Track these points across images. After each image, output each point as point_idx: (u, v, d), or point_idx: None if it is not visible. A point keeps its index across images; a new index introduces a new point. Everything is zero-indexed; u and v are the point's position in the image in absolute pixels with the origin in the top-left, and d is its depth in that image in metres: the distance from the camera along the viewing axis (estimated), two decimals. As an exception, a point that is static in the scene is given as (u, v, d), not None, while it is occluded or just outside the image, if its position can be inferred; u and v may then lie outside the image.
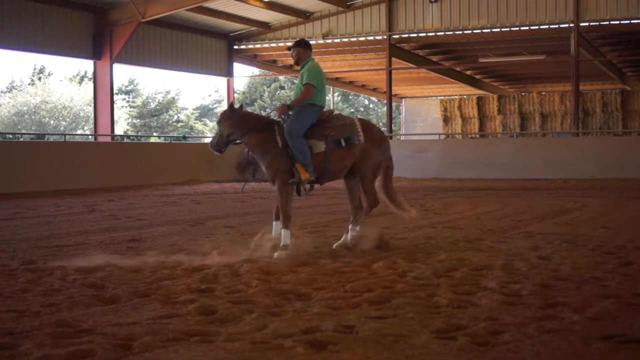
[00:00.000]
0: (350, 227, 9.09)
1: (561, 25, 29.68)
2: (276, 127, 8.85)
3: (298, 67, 9.23)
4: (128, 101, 64.13)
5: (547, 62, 35.13)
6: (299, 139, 8.72)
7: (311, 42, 33.74)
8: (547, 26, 30.02)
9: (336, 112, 9.54)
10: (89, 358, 4.39)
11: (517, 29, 30.59)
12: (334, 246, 8.95)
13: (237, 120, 8.91)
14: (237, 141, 8.99)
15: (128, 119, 62.29)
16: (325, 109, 9.25)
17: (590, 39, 31.62)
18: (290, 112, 8.85)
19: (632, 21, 28.83)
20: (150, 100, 66.37)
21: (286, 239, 8.57)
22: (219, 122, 9.09)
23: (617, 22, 29.04)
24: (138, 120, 64.41)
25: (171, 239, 10.10)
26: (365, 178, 9.06)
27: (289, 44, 9.91)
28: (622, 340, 4.62)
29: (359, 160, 9.00)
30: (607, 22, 29.20)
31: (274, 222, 8.89)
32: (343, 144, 8.88)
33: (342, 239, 9.13)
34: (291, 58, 9.26)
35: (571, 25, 29.22)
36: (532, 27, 30.35)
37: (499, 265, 7.52)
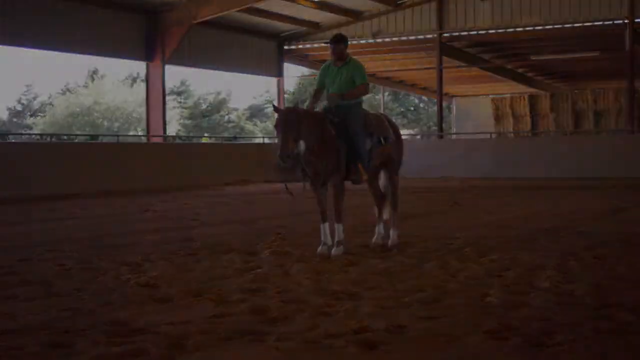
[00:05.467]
0: (382, 228, 9.28)
1: (615, 22, 29.26)
2: (329, 122, 8.64)
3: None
4: (180, 102, 64.64)
5: (600, 58, 34.66)
6: (364, 139, 8.72)
7: (361, 42, 33.64)
8: (600, 22, 29.62)
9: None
10: (143, 357, 4.44)
11: (570, 25, 30.22)
12: (371, 244, 9.10)
13: (301, 120, 8.23)
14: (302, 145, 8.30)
15: (180, 119, 62.78)
16: (370, 109, 9.32)
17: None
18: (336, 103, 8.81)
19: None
20: (201, 101, 66.83)
21: (342, 235, 8.59)
22: (286, 126, 8.16)
23: (673, 17, 28.57)
24: (190, 121, 64.89)
25: (223, 238, 10.15)
26: (394, 173, 9.35)
27: (324, 43, 9.84)
28: (679, 341, 4.55)
29: (388, 157, 9.20)
30: (663, 18, 28.73)
31: (334, 225, 8.63)
32: (383, 142, 8.94)
33: (376, 236, 9.24)
34: (333, 54, 9.02)
35: (625, 21, 28.81)
36: (585, 24, 29.96)
37: (553, 265, 7.44)
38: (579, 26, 30.13)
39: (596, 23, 29.70)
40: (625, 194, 18.12)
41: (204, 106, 66.79)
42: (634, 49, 29.27)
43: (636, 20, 28.76)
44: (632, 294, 5.98)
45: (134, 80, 61.34)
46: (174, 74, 67.01)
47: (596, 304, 5.64)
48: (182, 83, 66.43)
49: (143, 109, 34.14)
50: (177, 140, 42.89)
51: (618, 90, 36.34)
